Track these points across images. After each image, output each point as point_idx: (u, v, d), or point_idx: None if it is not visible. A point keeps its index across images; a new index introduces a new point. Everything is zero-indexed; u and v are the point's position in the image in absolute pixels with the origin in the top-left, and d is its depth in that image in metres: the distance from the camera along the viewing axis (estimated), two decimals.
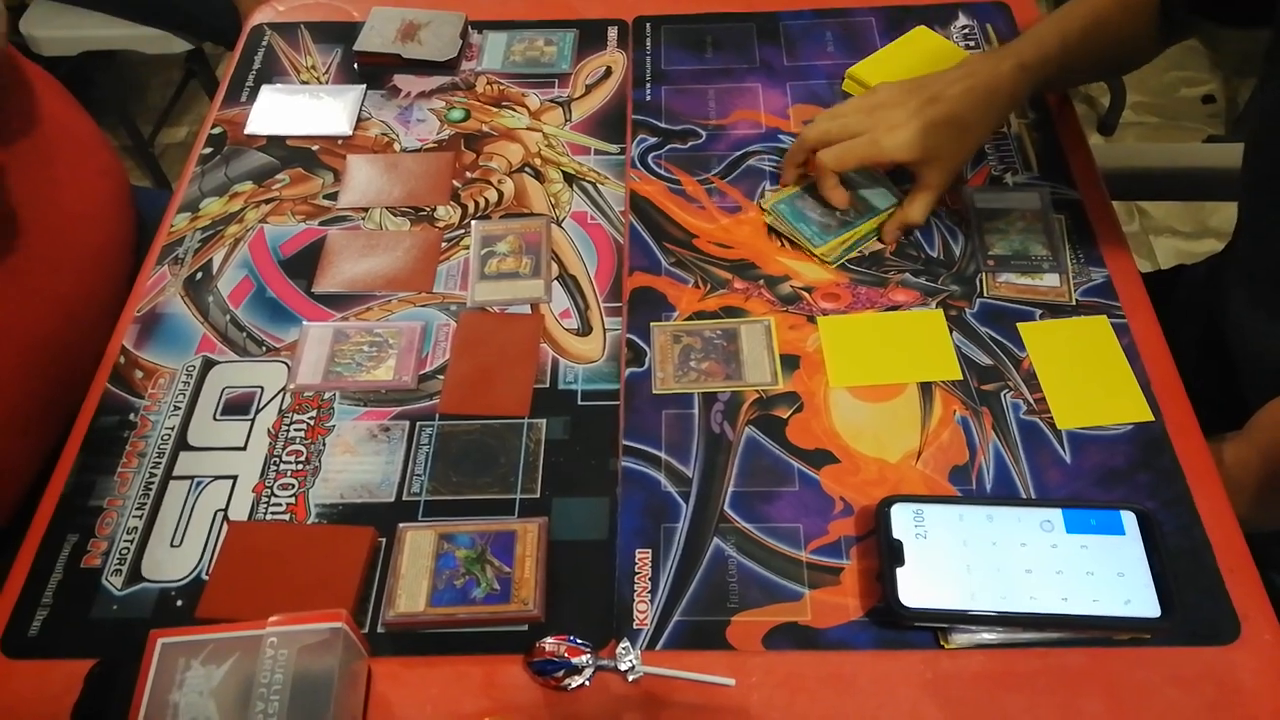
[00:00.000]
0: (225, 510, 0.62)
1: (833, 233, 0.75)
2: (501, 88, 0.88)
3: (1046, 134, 0.82)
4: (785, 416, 0.66)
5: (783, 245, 0.75)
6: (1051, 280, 0.72)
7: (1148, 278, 0.76)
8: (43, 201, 0.77)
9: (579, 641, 0.55)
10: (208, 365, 0.70)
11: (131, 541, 0.61)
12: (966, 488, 0.62)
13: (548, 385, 0.68)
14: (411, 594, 0.57)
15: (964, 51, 0.87)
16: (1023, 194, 0.77)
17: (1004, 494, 0.61)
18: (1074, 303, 0.70)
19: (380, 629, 0.57)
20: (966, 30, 0.90)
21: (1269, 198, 0.68)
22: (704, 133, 0.84)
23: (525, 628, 0.57)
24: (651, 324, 0.71)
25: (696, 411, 0.66)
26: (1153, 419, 0.64)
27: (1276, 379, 0.65)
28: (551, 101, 0.87)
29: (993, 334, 0.69)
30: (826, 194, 0.75)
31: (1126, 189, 1.07)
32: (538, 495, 0.62)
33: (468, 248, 0.76)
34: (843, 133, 0.73)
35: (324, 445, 0.65)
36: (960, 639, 0.55)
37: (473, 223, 0.78)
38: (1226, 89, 2.04)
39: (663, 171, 0.81)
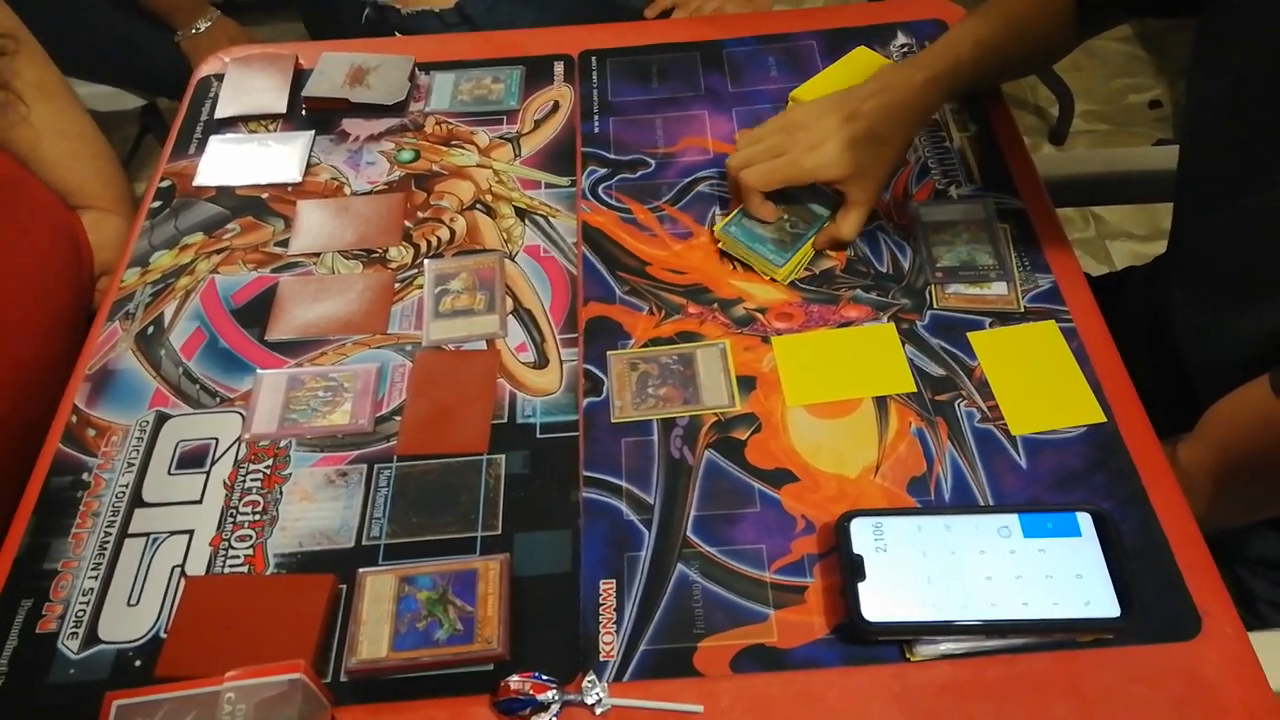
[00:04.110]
0: (182, 566, 0.61)
1: (789, 249, 0.75)
2: (450, 127, 0.89)
3: (988, 145, 0.83)
4: (744, 438, 0.66)
5: (735, 268, 0.76)
6: (999, 289, 0.73)
7: (1097, 280, 0.77)
8: None
9: (544, 678, 0.55)
10: (161, 419, 0.69)
11: (87, 603, 0.60)
12: (925, 498, 0.62)
13: (506, 420, 0.68)
14: (373, 640, 0.57)
15: None
16: (967, 205, 0.78)
17: (963, 503, 0.62)
18: (1022, 310, 0.71)
19: (343, 677, 0.57)
20: (906, 49, 0.92)
21: (1196, 200, 0.69)
22: (653, 161, 0.84)
23: (490, 667, 0.57)
24: (608, 353, 0.71)
25: (656, 438, 0.66)
26: (1105, 420, 0.65)
27: (1220, 376, 0.65)
28: (500, 138, 0.88)
29: (944, 345, 0.70)
30: (754, 210, 0.75)
31: (1079, 195, 1.09)
32: (499, 531, 0.62)
33: (421, 287, 0.76)
34: (764, 155, 0.74)
35: (281, 494, 0.65)
36: (925, 650, 0.55)
37: (426, 262, 0.78)
38: (1172, 93, 2.08)
39: (614, 201, 0.82)
